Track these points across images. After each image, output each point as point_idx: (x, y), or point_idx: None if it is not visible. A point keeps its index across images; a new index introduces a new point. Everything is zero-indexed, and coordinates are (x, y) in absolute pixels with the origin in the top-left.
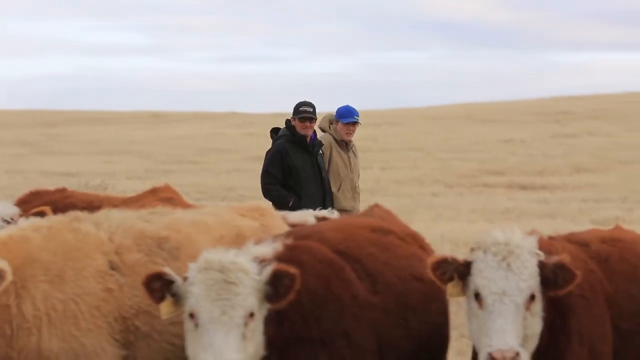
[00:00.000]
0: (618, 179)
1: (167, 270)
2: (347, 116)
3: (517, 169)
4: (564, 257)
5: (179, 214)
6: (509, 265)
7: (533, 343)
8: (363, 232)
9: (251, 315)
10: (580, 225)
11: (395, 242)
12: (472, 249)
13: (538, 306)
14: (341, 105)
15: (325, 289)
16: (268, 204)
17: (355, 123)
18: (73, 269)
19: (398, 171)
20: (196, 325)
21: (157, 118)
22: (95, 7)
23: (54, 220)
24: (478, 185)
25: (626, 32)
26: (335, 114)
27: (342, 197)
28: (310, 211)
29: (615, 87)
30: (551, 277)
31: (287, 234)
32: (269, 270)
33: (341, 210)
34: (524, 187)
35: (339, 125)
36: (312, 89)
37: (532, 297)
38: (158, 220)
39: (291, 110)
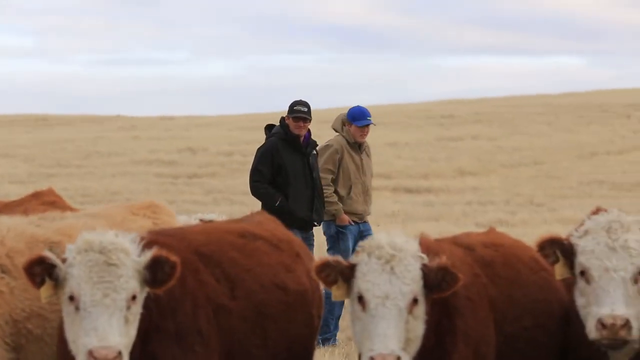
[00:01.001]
0: (501, 182)
1: (49, 254)
2: (360, 118)
3: (402, 172)
4: (446, 260)
5: (70, 218)
6: (392, 268)
7: (415, 345)
8: (229, 237)
9: (133, 298)
10: (464, 228)
11: (263, 249)
12: (357, 252)
13: (421, 309)
14: (353, 106)
15: (182, 287)
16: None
17: (368, 125)
18: None
19: None
20: (77, 308)
21: (41, 121)
22: None
23: None
24: None
25: (508, 37)
26: (347, 115)
27: (352, 200)
28: (199, 215)
29: (498, 91)
30: (434, 280)
31: (150, 232)
32: (149, 254)
33: (352, 214)
34: (409, 191)
35: (352, 128)
36: (198, 92)
37: (415, 301)
38: (49, 225)
39: (173, 114)
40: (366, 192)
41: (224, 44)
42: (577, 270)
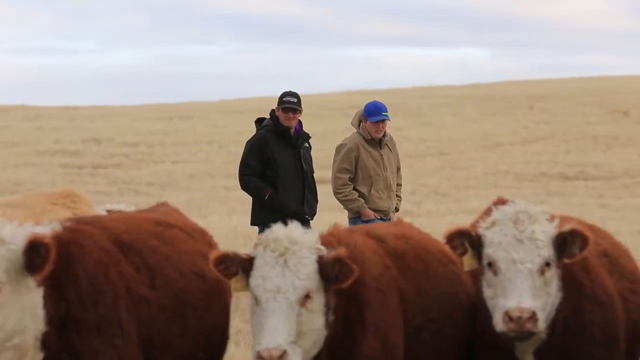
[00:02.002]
0: (406, 173)
1: None
2: (374, 114)
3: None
4: (342, 252)
5: None
6: (285, 262)
7: (312, 339)
8: (147, 225)
9: None
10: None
11: (180, 237)
12: (256, 245)
13: (317, 302)
14: (370, 102)
15: (104, 276)
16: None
17: (384, 120)
18: None
19: (190, 165)
20: None
21: None
22: None
23: None
24: None
25: (415, 29)
26: (363, 111)
27: (375, 197)
28: (106, 205)
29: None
30: (331, 272)
31: (70, 220)
32: (23, 238)
33: (375, 211)
34: (319, 182)
35: (368, 124)
36: (104, 82)
37: (309, 294)
38: None
39: (78, 104)
40: (389, 188)
41: (130, 34)
42: (485, 261)
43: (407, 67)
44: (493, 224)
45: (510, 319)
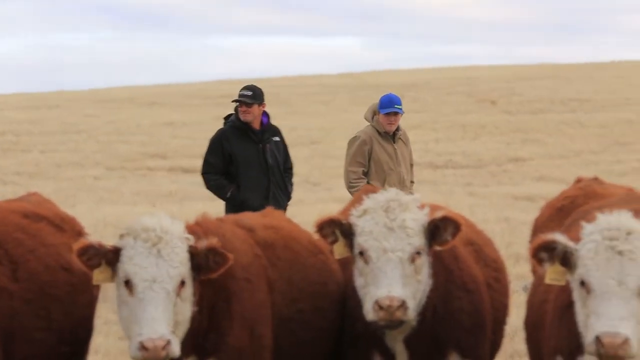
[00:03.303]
0: None
1: None
2: (386, 106)
3: (179, 152)
4: (215, 241)
5: None
6: (159, 251)
7: (184, 328)
8: (13, 217)
9: None
10: None
11: (46, 230)
12: (122, 235)
13: (189, 291)
14: (384, 94)
15: None
16: None
17: (397, 113)
18: None
19: (59, 154)
20: None
21: None
22: None
23: None
24: (141, 169)
25: (287, 18)
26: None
27: None
28: None
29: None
30: (203, 261)
31: None
32: None
33: None
34: (186, 171)
35: (380, 117)
36: None
37: (182, 283)
38: None
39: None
40: (402, 183)
41: None
42: (356, 250)
43: (279, 57)
44: (364, 212)
45: (381, 307)
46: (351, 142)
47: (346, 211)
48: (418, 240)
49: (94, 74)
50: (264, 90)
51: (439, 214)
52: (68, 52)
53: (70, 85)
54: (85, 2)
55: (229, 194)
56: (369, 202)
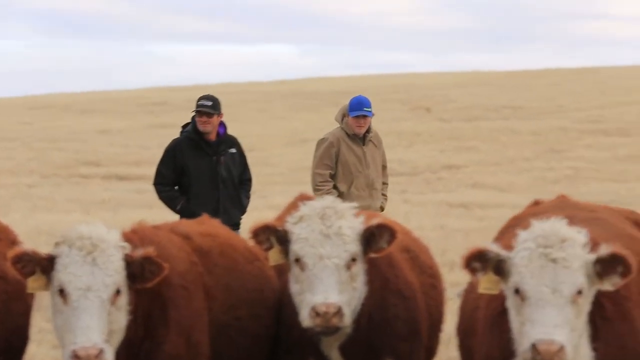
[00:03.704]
0: None
1: None
2: (356, 109)
3: (113, 160)
4: (151, 250)
5: None
6: (94, 260)
7: (119, 337)
8: None
9: None
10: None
11: None
12: (57, 243)
13: (124, 300)
14: (354, 97)
15: None
16: None
17: (365, 116)
18: None
19: None
20: None
21: None
22: None
23: None
24: (74, 176)
25: (221, 26)
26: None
27: (354, 195)
28: None
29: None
30: (139, 270)
31: None
32: None
33: None
34: (120, 178)
35: (350, 119)
36: None
37: (117, 292)
38: None
39: None
40: (371, 186)
41: None
42: (292, 257)
43: (214, 64)
44: (300, 219)
45: (317, 314)
46: (319, 144)
47: (282, 218)
48: (354, 247)
49: (28, 81)
50: (198, 96)
51: (374, 222)
52: (1, 59)
53: (4, 92)
54: (19, 8)
55: (179, 207)
56: (305, 209)
